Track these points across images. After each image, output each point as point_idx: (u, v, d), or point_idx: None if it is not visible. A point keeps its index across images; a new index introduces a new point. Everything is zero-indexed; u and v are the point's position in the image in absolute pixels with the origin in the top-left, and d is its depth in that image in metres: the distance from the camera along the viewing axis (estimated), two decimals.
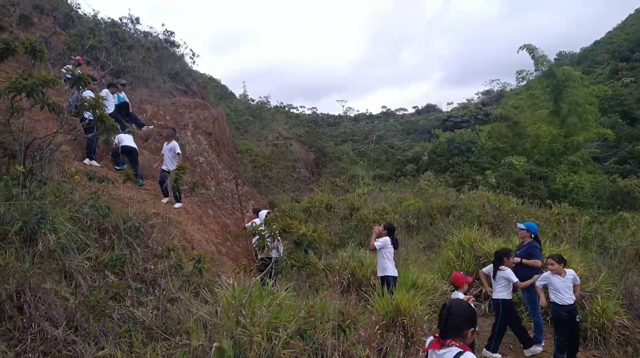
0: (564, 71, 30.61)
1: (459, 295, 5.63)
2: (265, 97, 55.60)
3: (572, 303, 5.97)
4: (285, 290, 4.99)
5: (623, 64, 78.09)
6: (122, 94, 11.94)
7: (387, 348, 4.98)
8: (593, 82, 41.77)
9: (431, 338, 2.79)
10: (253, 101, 56.33)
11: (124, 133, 9.83)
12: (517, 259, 6.87)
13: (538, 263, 6.88)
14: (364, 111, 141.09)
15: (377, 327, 5.35)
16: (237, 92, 56.35)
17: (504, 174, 23.48)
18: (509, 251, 6.63)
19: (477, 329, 2.77)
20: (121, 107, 11.67)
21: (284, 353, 3.87)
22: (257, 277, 4.88)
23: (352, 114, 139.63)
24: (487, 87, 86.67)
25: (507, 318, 6.36)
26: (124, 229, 5.54)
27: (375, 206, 14.72)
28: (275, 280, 5.49)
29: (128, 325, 3.99)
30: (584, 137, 28.43)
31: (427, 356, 2.81)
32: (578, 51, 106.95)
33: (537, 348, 6.55)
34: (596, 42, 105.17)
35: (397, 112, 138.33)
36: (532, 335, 6.70)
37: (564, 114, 29.05)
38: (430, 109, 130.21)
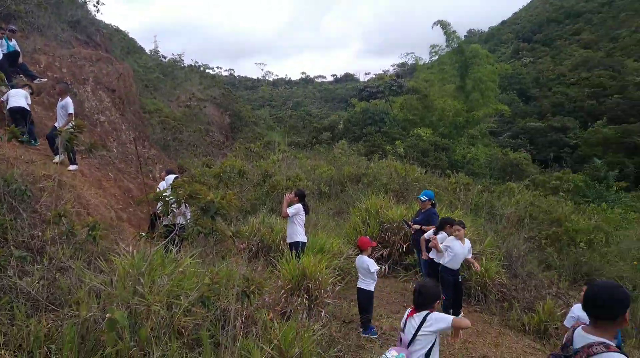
0: (472, 48, 32.53)
1: (364, 258, 5.90)
2: (178, 54, 52.52)
3: (459, 268, 6.57)
4: (190, 257, 4.88)
5: (524, 44, 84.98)
6: (13, 42, 10.53)
7: (291, 311, 5.13)
8: (497, 61, 44.94)
9: (409, 310, 3.64)
10: (165, 58, 52.99)
11: (16, 88, 8.63)
12: (416, 227, 7.36)
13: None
14: (283, 76, 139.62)
15: (283, 291, 5.49)
16: (148, 48, 52.47)
17: (412, 145, 24.81)
18: (451, 220, 6.84)
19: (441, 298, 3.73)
20: (10, 56, 10.32)
21: (184, 321, 3.82)
22: (159, 244, 4.71)
23: (271, 79, 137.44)
24: (403, 60, 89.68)
25: (430, 274, 6.76)
26: (7, 192, 5.00)
27: (289, 172, 14.81)
28: (179, 247, 5.34)
29: (10, 296, 3.67)
30: (484, 112, 30.78)
31: (406, 323, 3.60)
32: (487, 29, 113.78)
33: None
34: (503, 22, 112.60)
35: (316, 80, 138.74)
36: None
37: (469, 89, 31.10)
38: (348, 78, 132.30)
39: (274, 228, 8.48)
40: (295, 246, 7.08)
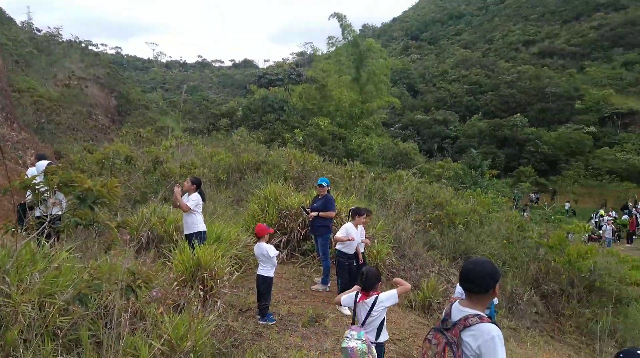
0: (367, 42, 33.87)
1: (262, 244, 5.85)
2: (55, 28, 47.28)
3: (354, 253, 6.83)
4: (67, 251, 4.41)
5: (413, 42, 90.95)
6: None
7: (184, 303, 4.92)
8: (389, 56, 47.37)
9: (359, 294, 4.04)
10: (39, 31, 47.38)
11: None
12: (314, 214, 7.49)
13: (332, 214, 7.63)
14: (178, 59, 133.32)
15: (175, 283, 5.23)
16: (19, 19, 46.41)
17: (310, 134, 25.22)
18: (360, 211, 6.86)
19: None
20: None
21: (61, 321, 3.45)
22: (29, 238, 4.19)
23: (164, 60, 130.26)
24: (302, 49, 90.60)
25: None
26: None
27: (183, 159, 14.15)
28: (55, 241, 4.81)
29: None
30: (377, 104, 32.35)
31: (356, 305, 4.03)
32: (380, 25, 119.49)
33: (323, 287, 7.42)
34: (394, 19, 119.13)
35: (214, 64, 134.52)
36: (320, 278, 7.55)
37: (363, 82, 32.41)
38: (247, 64, 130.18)
39: (167, 218, 8.02)
40: (198, 236, 6.73)
